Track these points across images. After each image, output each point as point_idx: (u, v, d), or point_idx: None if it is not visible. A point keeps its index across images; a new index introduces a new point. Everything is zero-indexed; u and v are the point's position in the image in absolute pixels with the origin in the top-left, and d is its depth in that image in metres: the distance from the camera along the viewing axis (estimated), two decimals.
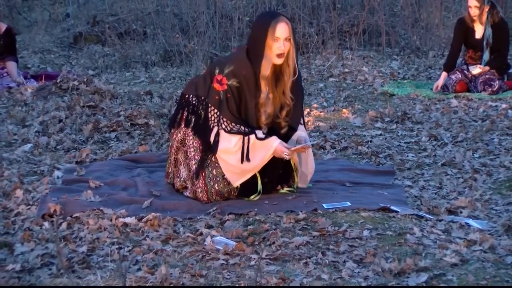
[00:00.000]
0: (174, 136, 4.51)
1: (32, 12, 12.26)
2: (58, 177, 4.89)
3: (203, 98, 4.39)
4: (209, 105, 4.33)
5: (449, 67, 7.57)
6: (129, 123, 6.07)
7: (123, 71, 9.37)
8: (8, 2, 12.17)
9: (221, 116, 4.30)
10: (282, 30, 4.25)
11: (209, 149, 4.33)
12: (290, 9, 10.23)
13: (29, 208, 4.28)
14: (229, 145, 4.29)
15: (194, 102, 4.43)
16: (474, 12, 7.36)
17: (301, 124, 4.51)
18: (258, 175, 4.38)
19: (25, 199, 4.42)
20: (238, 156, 4.29)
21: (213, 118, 4.33)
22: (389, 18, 10.46)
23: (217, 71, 4.34)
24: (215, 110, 4.32)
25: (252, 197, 4.37)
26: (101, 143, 5.78)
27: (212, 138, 4.32)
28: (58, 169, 5.07)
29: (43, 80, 7.82)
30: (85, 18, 11.43)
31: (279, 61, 4.29)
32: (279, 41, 4.25)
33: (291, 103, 4.38)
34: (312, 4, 10.53)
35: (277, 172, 4.45)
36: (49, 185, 4.67)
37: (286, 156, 4.27)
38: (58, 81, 7.18)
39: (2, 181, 4.73)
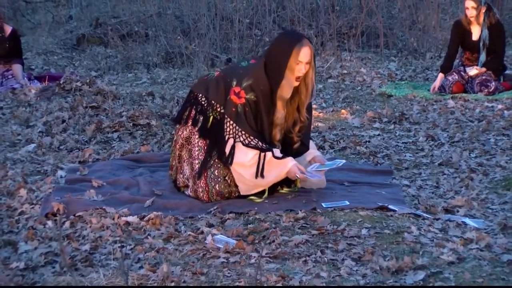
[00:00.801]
0: (180, 132, 4.49)
1: (36, 14, 12.26)
2: (61, 177, 4.88)
3: (213, 102, 4.35)
4: (226, 116, 4.30)
5: (446, 68, 7.57)
6: (131, 124, 6.07)
7: (125, 72, 9.37)
8: (12, 4, 12.18)
9: (239, 129, 4.27)
10: (305, 54, 4.24)
11: (225, 161, 4.31)
12: (290, 11, 10.23)
13: (32, 207, 4.28)
14: (245, 158, 4.27)
15: (203, 103, 4.40)
16: (471, 13, 7.36)
17: (311, 139, 4.56)
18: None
19: (28, 198, 4.42)
20: (253, 171, 4.27)
21: (229, 130, 4.29)
22: (387, 20, 10.46)
23: (234, 82, 4.30)
24: (231, 122, 4.28)
25: (256, 198, 4.36)
26: (103, 143, 5.78)
27: (227, 150, 4.30)
28: (61, 168, 5.07)
29: (46, 81, 7.82)
30: (88, 20, 11.44)
31: (296, 83, 4.31)
32: (301, 64, 4.25)
33: (305, 121, 4.40)
34: (311, 7, 10.53)
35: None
36: (52, 185, 4.67)
37: (298, 177, 4.31)
38: (61, 82, 7.18)
39: (6, 181, 4.73)
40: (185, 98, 4.66)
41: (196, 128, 4.40)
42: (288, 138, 4.43)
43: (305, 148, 4.47)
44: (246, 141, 4.27)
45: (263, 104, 4.29)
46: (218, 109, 4.34)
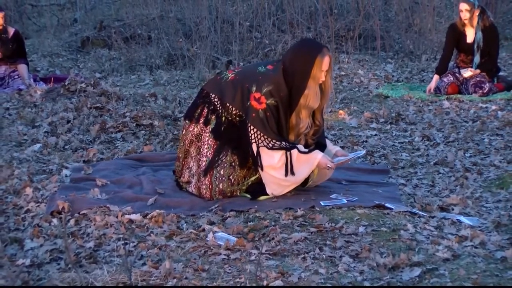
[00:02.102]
0: (190, 129, 4.46)
1: (41, 17, 12.26)
2: (66, 176, 4.89)
3: (228, 105, 4.32)
4: (247, 122, 4.27)
5: (441, 70, 7.57)
6: (134, 124, 6.07)
7: (129, 74, 9.37)
8: (18, 7, 12.17)
9: (261, 134, 4.25)
10: (327, 63, 4.25)
11: (258, 166, 4.30)
12: (289, 14, 10.23)
13: (38, 206, 4.28)
14: (273, 161, 4.26)
15: (216, 103, 4.38)
16: (464, 15, 7.36)
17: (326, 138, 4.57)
18: None
19: (34, 197, 4.42)
20: (283, 171, 4.26)
21: (251, 135, 4.27)
22: (384, 23, 10.46)
23: (254, 88, 4.28)
24: (253, 128, 4.26)
25: (261, 197, 4.36)
26: (107, 143, 5.78)
27: (253, 155, 4.30)
28: (66, 168, 5.07)
29: (51, 83, 7.82)
30: (92, 23, 11.43)
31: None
32: (323, 73, 4.25)
33: (320, 125, 4.41)
34: (310, 10, 10.53)
35: None
36: (57, 183, 4.67)
37: (329, 168, 4.30)
38: (66, 83, 7.18)
39: (12, 180, 4.73)
40: (196, 95, 4.64)
41: (209, 128, 4.39)
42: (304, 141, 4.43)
43: (322, 147, 4.45)
44: (270, 144, 4.25)
45: (282, 109, 4.29)
46: (234, 112, 4.32)
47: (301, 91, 4.26)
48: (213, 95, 4.40)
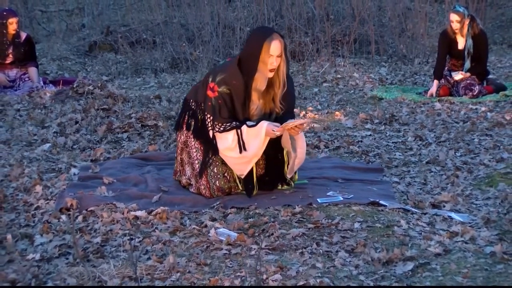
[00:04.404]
0: (179, 138, 4.52)
1: (51, 22, 12.24)
2: (74, 174, 4.88)
3: (200, 103, 4.38)
4: (205, 112, 4.32)
5: (439, 75, 7.57)
6: (139, 125, 6.07)
7: (134, 77, 9.36)
8: (29, 13, 12.16)
9: (214, 121, 4.28)
10: (276, 47, 4.20)
11: (213, 150, 4.32)
12: (287, 20, 10.22)
13: (47, 203, 4.28)
14: (227, 143, 4.26)
15: (193, 107, 4.43)
16: (455, 26, 7.41)
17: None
18: (254, 171, 4.36)
19: (44, 194, 4.41)
20: (238, 149, 4.25)
21: (207, 123, 4.31)
22: (378, 29, 10.45)
23: (210, 79, 4.31)
24: (209, 115, 4.30)
25: (254, 192, 4.35)
26: (114, 143, 5.78)
27: (212, 141, 4.31)
28: (75, 166, 5.06)
29: (60, 85, 7.81)
30: (100, 28, 11.42)
31: (270, 75, 4.27)
32: (272, 57, 4.22)
33: (280, 110, 4.36)
34: (308, 16, 10.52)
35: (276, 168, 4.42)
36: (66, 182, 4.67)
37: (277, 133, 4.21)
38: (74, 86, 7.18)
39: (23, 178, 4.72)
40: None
41: (190, 132, 4.41)
42: None
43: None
44: (221, 128, 4.26)
45: (237, 96, 4.26)
46: (202, 107, 4.36)
47: (251, 75, 4.24)
48: (191, 100, 4.45)
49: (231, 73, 4.27)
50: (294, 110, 4.62)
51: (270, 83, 4.32)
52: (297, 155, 4.32)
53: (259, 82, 4.27)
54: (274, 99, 4.34)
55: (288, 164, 4.38)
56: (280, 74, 4.28)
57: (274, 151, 4.36)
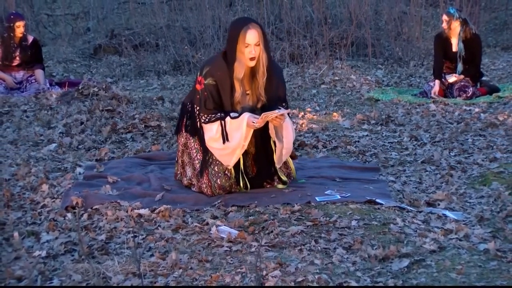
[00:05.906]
0: (179, 141, 4.51)
1: (57, 26, 12.25)
2: (79, 173, 4.88)
3: (194, 102, 4.38)
4: (195, 105, 4.33)
5: (439, 75, 7.59)
6: (143, 125, 6.07)
7: (138, 79, 9.36)
8: (35, 17, 12.17)
9: (199, 112, 4.29)
10: (252, 37, 4.19)
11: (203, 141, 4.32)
12: (286, 24, 10.23)
13: (54, 201, 4.28)
14: (211, 133, 4.27)
15: (189, 109, 4.43)
16: (444, 25, 7.48)
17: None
18: (241, 167, 4.35)
19: (50, 193, 4.41)
20: (222, 140, 4.26)
21: (197, 115, 4.32)
22: (375, 32, 10.45)
23: (198, 73, 4.34)
24: (197, 107, 4.32)
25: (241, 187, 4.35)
26: (118, 143, 5.78)
27: (199, 131, 4.32)
28: (80, 166, 5.06)
29: (66, 87, 7.82)
30: (104, 32, 11.43)
31: (251, 64, 4.25)
32: (250, 46, 4.21)
33: (264, 98, 4.34)
34: (306, 19, 10.53)
35: (267, 160, 4.39)
36: (71, 181, 4.67)
37: (257, 125, 4.20)
38: (80, 87, 7.18)
39: (30, 177, 4.72)
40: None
41: (188, 133, 4.41)
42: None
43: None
44: (207, 119, 4.27)
45: (222, 87, 4.26)
46: (194, 102, 4.37)
47: (231, 65, 4.24)
48: (187, 103, 4.44)
49: (216, 65, 4.28)
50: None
51: (254, 72, 4.31)
52: (283, 145, 4.32)
53: (237, 71, 4.25)
54: (258, 87, 4.33)
55: (276, 153, 4.37)
56: (260, 63, 4.27)
57: (263, 141, 4.36)
